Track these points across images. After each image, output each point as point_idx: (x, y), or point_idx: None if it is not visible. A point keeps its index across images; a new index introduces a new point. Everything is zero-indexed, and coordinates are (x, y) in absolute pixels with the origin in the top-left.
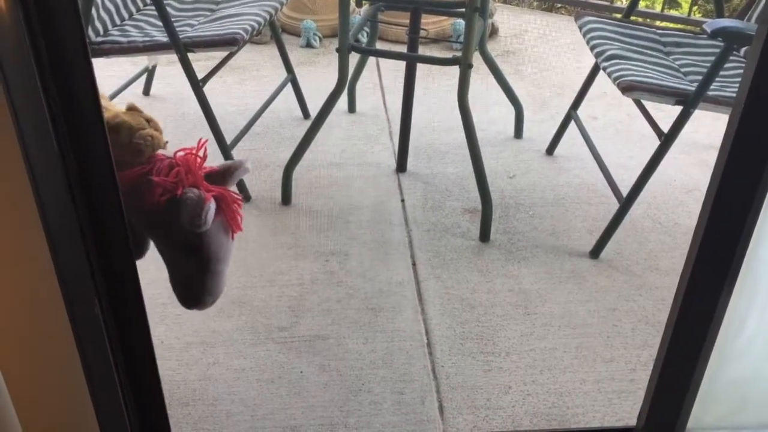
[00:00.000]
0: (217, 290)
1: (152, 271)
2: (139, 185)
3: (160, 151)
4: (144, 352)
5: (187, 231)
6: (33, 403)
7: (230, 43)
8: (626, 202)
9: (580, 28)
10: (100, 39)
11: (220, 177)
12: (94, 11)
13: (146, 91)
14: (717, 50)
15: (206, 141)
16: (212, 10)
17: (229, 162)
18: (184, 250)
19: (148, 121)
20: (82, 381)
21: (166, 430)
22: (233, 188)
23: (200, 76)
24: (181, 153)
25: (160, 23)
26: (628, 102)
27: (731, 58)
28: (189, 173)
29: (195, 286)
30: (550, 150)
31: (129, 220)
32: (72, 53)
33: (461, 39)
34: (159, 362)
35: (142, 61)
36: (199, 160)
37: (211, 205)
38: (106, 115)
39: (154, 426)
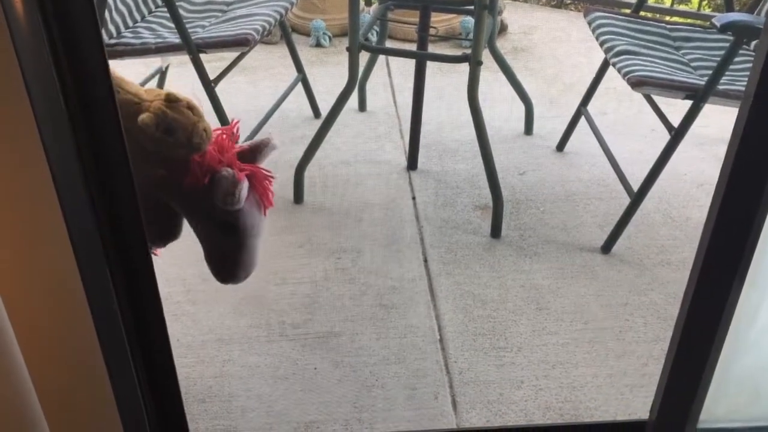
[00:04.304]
0: (251, 265)
1: (168, 269)
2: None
3: None
4: (161, 349)
5: (223, 209)
6: (57, 398)
7: (242, 44)
8: (637, 197)
9: (590, 23)
10: (113, 41)
11: (250, 155)
12: (107, 14)
13: None
14: (727, 44)
15: (238, 121)
16: (223, 11)
17: (257, 140)
18: (221, 227)
19: (191, 109)
20: (103, 377)
21: (183, 425)
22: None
23: (212, 76)
24: (218, 132)
25: (172, 25)
26: (638, 97)
27: (741, 51)
28: (223, 153)
29: (230, 261)
30: (561, 146)
31: (164, 202)
32: (90, 57)
33: (471, 36)
34: (175, 359)
35: (154, 62)
36: (227, 139)
37: (244, 184)
38: (153, 115)
39: (172, 421)
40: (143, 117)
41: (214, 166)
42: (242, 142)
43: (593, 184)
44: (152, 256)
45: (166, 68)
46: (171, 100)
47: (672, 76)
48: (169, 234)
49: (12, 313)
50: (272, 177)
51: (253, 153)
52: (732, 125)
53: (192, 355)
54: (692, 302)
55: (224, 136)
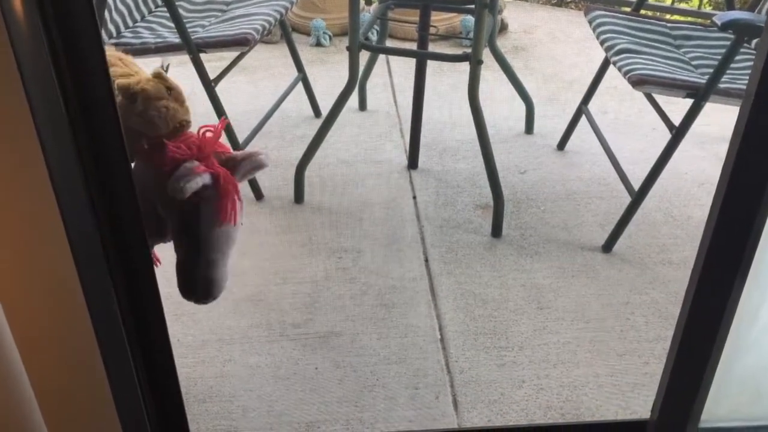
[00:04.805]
0: (212, 282)
1: (167, 269)
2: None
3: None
4: (161, 349)
5: (181, 204)
6: (56, 399)
7: (242, 43)
8: (638, 196)
9: (590, 22)
10: (113, 41)
11: (233, 163)
12: (106, 14)
13: None
14: (727, 43)
15: (226, 120)
16: (223, 11)
17: (249, 151)
18: (179, 225)
19: (170, 89)
20: (103, 378)
21: (184, 425)
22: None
23: (212, 76)
24: (204, 129)
25: (172, 24)
26: (638, 96)
27: (742, 50)
28: (202, 149)
29: (188, 271)
30: (561, 145)
31: (151, 199)
32: (90, 57)
33: (471, 35)
34: (176, 360)
35: (154, 62)
36: (210, 136)
37: (198, 178)
38: (127, 80)
39: (172, 422)
40: (118, 81)
41: (183, 157)
42: (241, 142)
43: (594, 183)
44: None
45: (166, 68)
46: (156, 75)
47: (673, 74)
48: (157, 233)
49: (10, 314)
50: (239, 196)
51: (237, 162)
52: (733, 124)
53: (192, 355)
54: (693, 301)
55: (209, 132)
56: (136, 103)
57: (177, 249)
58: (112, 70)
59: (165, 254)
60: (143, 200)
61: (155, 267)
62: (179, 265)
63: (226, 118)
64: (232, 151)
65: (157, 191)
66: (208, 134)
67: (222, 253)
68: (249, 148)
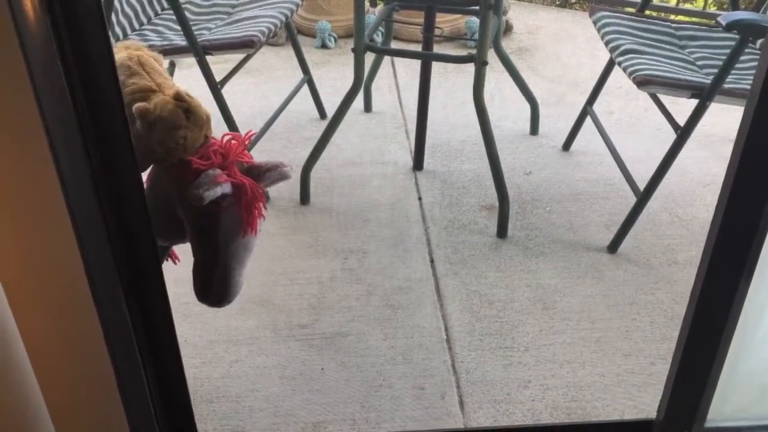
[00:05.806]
0: (227, 288)
1: (175, 270)
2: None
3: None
4: (169, 349)
5: (200, 211)
6: (65, 399)
7: (247, 45)
8: (643, 196)
9: (595, 23)
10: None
11: (256, 172)
12: (113, 17)
13: None
14: (732, 43)
15: (254, 133)
16: (229, 13)
17: (274, 161)
18: (198, 231)
19: (189, 113)
20: (111, 379)
21: (191, 425)
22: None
23: (218, 78)
24: (228, 137)
25: (178, 27)
26: (643, 96)
27: (746, 50)
28: (226, 158)
29: (204, 276)
30: (567, 146)
31: (173, 205)
32: (98, 60)
33: (476, 37)
34: (183, 360)
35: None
36: (235, 145)
37: (219, 187)
38: (145, 105)
39: (180, 422)
40: (137, 106)
41: (207, 166)
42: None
43: (599, 184)
44: (171, 262)
45: (173, 70)
46: (177, 99)
47: (677, 75)
48: (177, 233)
49: (19, 316)
50: (264, 202)
51: (261, 171)
52: (738, 124)
53: (200, 355)
54: (699, 301)
55: (233, 141)
56: (156, 131)
57: (195, 252)
58: (132, 80)
59: (182, 255)
60: (163, 201)
61: (174, 264)
62: (196, 268)
63: (248, 130)
64: (254, 160)
65: (176, 194)
66: (233, 142)
67: (240, 261)
68: (255, 150)
